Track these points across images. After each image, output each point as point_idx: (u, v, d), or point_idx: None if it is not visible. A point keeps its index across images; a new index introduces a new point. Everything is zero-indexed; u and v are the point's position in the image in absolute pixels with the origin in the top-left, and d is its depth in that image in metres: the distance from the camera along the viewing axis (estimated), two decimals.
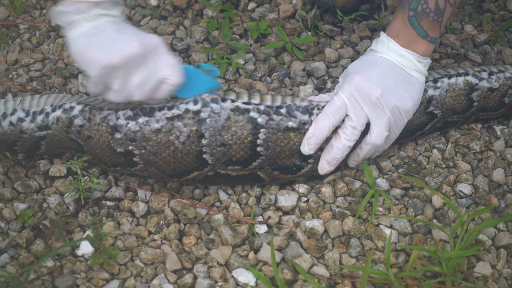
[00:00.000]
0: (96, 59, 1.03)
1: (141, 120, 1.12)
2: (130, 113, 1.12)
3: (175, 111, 1.12)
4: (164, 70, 1.06)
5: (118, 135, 1.12)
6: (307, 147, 1.12)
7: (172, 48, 1.43)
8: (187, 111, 1.11)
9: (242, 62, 1.40)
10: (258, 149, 1.13)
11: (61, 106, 1.16)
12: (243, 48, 1.40)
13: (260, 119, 1.12)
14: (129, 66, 1.04)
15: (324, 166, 1.14)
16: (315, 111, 1.14)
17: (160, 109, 1.12)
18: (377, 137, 1.13)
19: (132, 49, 1.03)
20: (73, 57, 1.06)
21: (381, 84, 1.11)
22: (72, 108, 1.15)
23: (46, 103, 1.17)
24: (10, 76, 1.40)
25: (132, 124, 1.12)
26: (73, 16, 1.05)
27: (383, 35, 1.16)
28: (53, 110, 1.16)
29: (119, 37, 1.04)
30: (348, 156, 1.17)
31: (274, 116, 1.13)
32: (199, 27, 1.46)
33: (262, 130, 1.12)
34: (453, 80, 1.24)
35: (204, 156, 1.13)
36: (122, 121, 1.12)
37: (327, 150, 1.13)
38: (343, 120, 1.12)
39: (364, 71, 1.13)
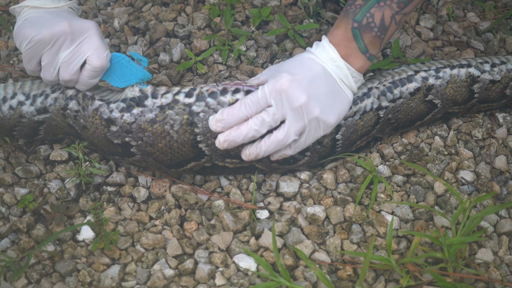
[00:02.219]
0: (26, 34, 1.09)
1: (135, 111, 1.12)
2: (123, 105, 1.12)
3: (164, 100, 1.12)
4: (88, 51, 1.10)
5: (114, 128, 1.12)
6: (214, 127, 1.08)
7: (174, 34, 1.43)
8: (176, 101, 1.12)
9: (244, 48, 1.40)
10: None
11: (59, 88, 1.17)
12: (245, 35, 1.39)
13: None
14: (57, 43, 1.09)
15: (219, 141, 1.08)
16: None
17: (154, 96, 1.12)
18: (284, 135, 1.07)
19: (60, 27, 1.09)
20: (14, 39, 1.13)
21: (309, 91, 1.06)
22: (65, 89, 1.16)
23: (46, 86, 1.18)
24: (11, 62, 1.39)
25: (127, 116, 1.12)
26: (21, 7, 1.14)
27: (325, 41, 1.10)
28: (53, 92, 1.17)
29: (51, 19, 1.11)
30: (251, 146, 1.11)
31: None
32: (201, 13, 1.45)
33: None
34: (455, 71, 1.23)
35: (200, 145, 1.12)
36: (116, 114, 1.12)
37: (231, 129, 1.08)
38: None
39: (296, 72, 1.07)
